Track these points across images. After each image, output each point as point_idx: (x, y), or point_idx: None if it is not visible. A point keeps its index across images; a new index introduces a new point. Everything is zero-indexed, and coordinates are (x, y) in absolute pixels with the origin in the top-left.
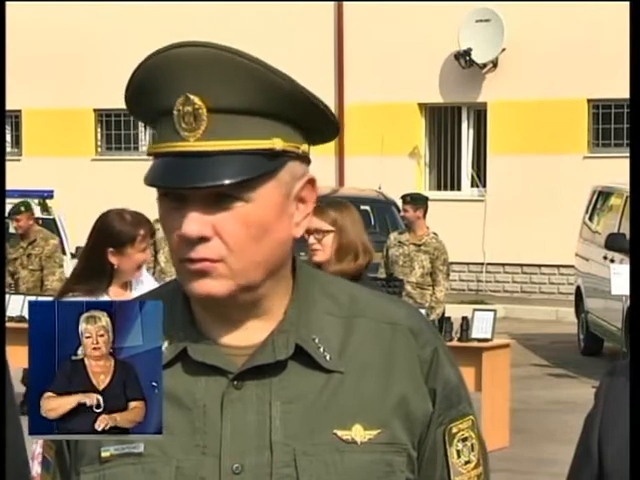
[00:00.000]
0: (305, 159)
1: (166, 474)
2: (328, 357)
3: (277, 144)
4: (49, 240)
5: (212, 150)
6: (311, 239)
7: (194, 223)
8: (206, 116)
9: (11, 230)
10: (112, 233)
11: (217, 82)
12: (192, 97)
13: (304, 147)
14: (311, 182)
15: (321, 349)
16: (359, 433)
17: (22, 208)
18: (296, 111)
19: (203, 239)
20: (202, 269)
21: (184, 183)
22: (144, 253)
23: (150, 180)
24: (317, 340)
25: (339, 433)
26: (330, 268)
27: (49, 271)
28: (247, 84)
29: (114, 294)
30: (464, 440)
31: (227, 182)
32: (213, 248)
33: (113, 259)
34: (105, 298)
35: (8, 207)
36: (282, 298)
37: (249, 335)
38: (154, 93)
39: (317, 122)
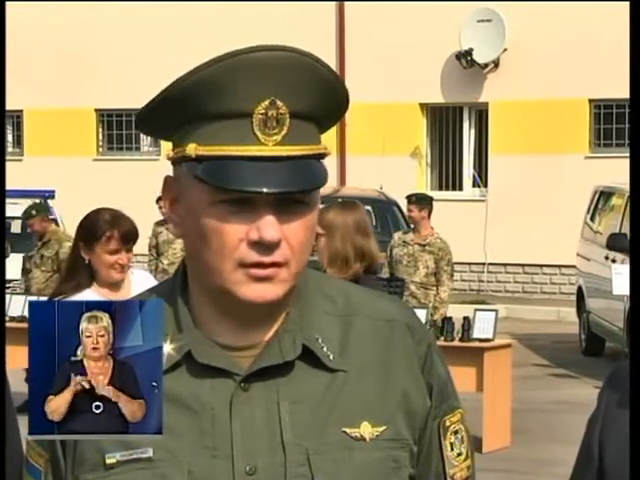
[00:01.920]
0: None
1: (177, 478)
2: (331, 356)
3: (327, 149)
4: (64, 243)
5: (288, 155)
6: None
7: (273, 228)
8: (288, 121)
9: (13, 230)
10: (84, 227)
11: (299, 88)
12: (278, 101)
13: (326, 149)
14: None
15: (324, 349)
16: (367, 430)
17: (33, 212)
18: (333, 118)
19: (277, 244)
20: (270, 274)
21: (277, 187)
22: (113, 256)
23: (231, 184)
24: (320, 340)
25: (348, 431)
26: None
27: None
28: (321, 91)
29: (97, 292)
30: (455, 433)
31: (311, 187)
32: (282, 252)
33: (84, 254)
34: (89, 292)
35: (8, 207)
36: (283, 297)
37: (252, 336)
38: (229, 94)
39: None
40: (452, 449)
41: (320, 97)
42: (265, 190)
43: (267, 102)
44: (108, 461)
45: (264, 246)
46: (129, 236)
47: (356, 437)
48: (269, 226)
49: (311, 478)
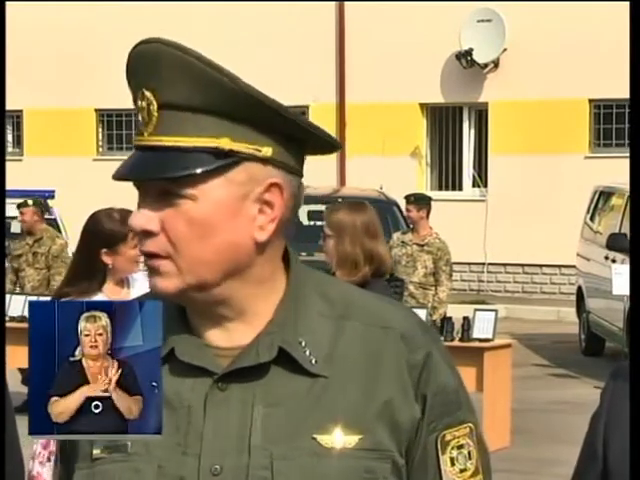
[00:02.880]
0: (273, 162)
1: (148, 473)
2: (314, 361)
3: (224, 143)
4: (56, 239)
5: (161, 145)
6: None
7: (139, 217)
8: (156, 112)
9: (12, 230)
10: (103, 234)
11: (162, 78)
12: (146, 93)
13: (266, 150)
14: (276, 186)
15: (307, 352)
16: (339, 438)
17: (29, 202)
18: (247, 111)
19: (150, 234)
20: (151, 265)
21: (126, 175)
22: (136, 248)
23: (115, 172)
24: (303, 343)
25: (318, 438)
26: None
27: (56, 271)
28: (186, 80)
29: (110, 292)
30: (459, 447)
31: (156, 177)
32: (159, 244)
33: (107, 259)
34: (100, 296)
35: (9, 207)
36: (266, 299)
37: (236, 336)
38: (129, 88)
39: (279, 125)
40: (452, 464)
41: (193, 87)
42: (126, 177)
43: (139, 93)
44: (94, 452)
45: (141, 235)
46: None
47: (326, 445)
48: (136, 215)
49: None
